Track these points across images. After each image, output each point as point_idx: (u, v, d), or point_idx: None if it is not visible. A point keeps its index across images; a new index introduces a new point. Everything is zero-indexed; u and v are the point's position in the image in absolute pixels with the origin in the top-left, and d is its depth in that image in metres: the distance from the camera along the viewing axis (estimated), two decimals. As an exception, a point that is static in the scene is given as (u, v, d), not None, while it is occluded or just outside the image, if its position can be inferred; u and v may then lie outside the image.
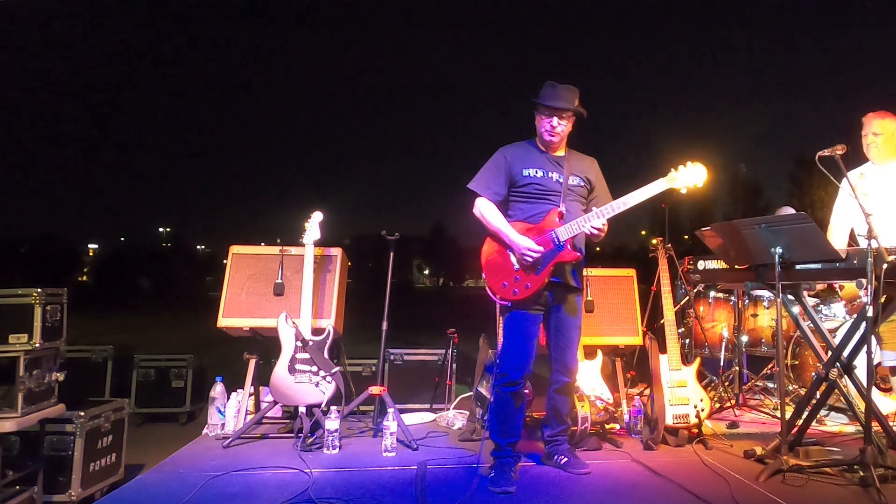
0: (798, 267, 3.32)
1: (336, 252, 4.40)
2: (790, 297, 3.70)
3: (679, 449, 3.73)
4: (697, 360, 3.99)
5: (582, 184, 3.35)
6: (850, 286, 3.97)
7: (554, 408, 3.42)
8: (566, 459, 3.32)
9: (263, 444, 3.83)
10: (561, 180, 3.29)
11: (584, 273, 4.50)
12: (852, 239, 3.97)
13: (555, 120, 3.28)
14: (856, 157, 3.85)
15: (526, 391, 4.09)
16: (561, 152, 3.39)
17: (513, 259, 3.22)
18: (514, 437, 3.27)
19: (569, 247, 3.18)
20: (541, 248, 3.15)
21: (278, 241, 4.45)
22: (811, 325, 3.81)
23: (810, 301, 4.51)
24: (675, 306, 4.26)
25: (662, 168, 3.22)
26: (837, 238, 4.02)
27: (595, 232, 3.14)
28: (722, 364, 5.18)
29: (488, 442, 3.35)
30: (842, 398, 3.64)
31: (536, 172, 3.30)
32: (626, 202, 3.14)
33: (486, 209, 3.32)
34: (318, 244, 4.15)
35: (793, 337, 4.99)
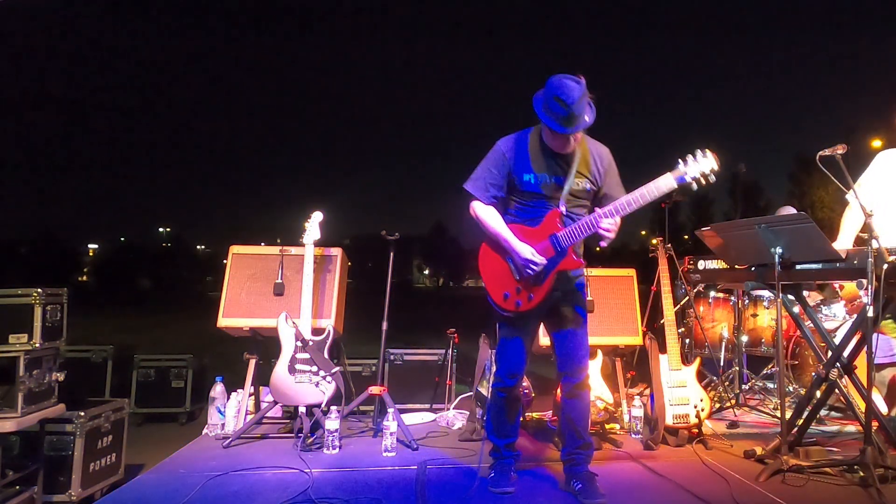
0: (798, 267, 3.33)
1: (336, 252, 4.40)
2: (790, 297, 3.70)
3: (679, 449, 3.73)
4: (697, 360, 3.99)
5: (588, 188, 3.01)
6: (850, 286, 3.97)
7: (568, 420, 3.09)
8: (581, 486, 2.96)
9: (263, 444, 3.83)
10: (564, 184, 2.96)
11: (584, 273, 4.50)
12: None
13: (571, 140, 2.89)
14: (857, 156, 3.83)
15: (527, 391, 4.11)
16: (568, 147, 2.99)
17: (513, 268, 2.99)
18: (512, 438, 3.24)
19: (572, 254, 2.92)
20: (543, 260, 2.89)
21: (278, 241, 4.46)
22: (811, 324, 3.81)
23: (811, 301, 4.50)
24: (675, 306, 4.26)
25: (664, 163, 2.83)
26: (854, 219, 3.80)
27: (604, 234, 2.82)
28: (722, 364, 5.19)
29: (487, 442, 3.34)
30: (842, 398, 3.65)
31: (538, 177, 2.96)
32: (630, 203, 2.80)
33: (484, 213, 3.04)
34: (318, 244, 4.15)
35: (793, 337, 5.00)
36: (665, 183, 2.77)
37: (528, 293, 2.95)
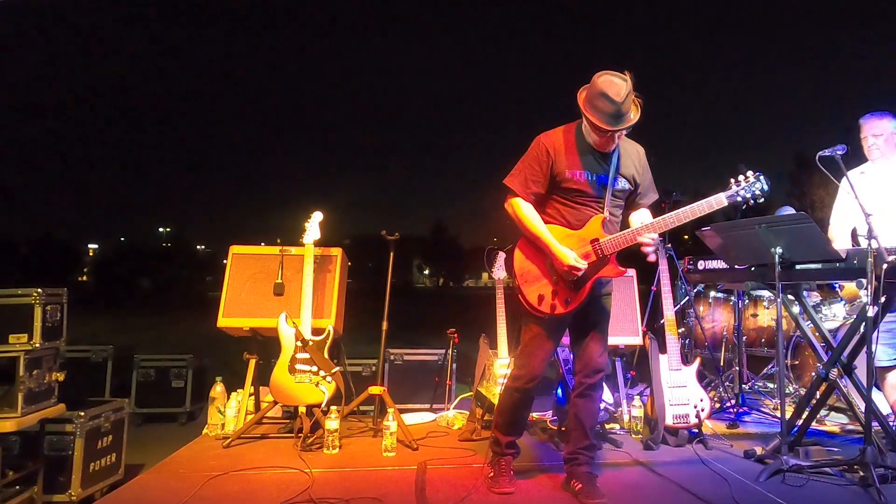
0: (798, 267, 3.32)
1: (336, 252, 4.40)
2: (790, 297, 3.70)
3: (679, 449, 3.73)
4: (697, 360, 3.99)
5: (628, 187, 2.98)
6: (850, 286, 3.97)
7: (576, 418, 3.06)
8: (581, 486, 2.93)
9: (263, 444, 3.83)
10: (606, 184, 2.92)
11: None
12: (853, 239, 3.88)
13: (615, 138, 2.85)
14: (856, 156, 3.83)
15: None
16: (611, 146, 2.94)
17: (551, 270, 2.91)
18: (516, 435, 3.22)
19: (614, 261, 2.90)
20: (585, 264, 2.83)
21: (278, 241, 4.45)
22: (811, 324, 3.81)
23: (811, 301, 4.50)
24: (675, 306, 4.26)
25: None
26: (838, 237, 3.87)
27: (644, 247, 2.83)
28: (722, 364, 5.19)
29: (490, 435, 3.31)
30: (842, 398, 3.65)
31: (582, 175, 2.90)
32: (680, 217, 2.78)
33: (523, 212, 2.94)
34: (318, 244, 4.16)
35: (793, 337, 5.00)
36: (716, 200, 2.78)
37: (565, 297, 2.89)
